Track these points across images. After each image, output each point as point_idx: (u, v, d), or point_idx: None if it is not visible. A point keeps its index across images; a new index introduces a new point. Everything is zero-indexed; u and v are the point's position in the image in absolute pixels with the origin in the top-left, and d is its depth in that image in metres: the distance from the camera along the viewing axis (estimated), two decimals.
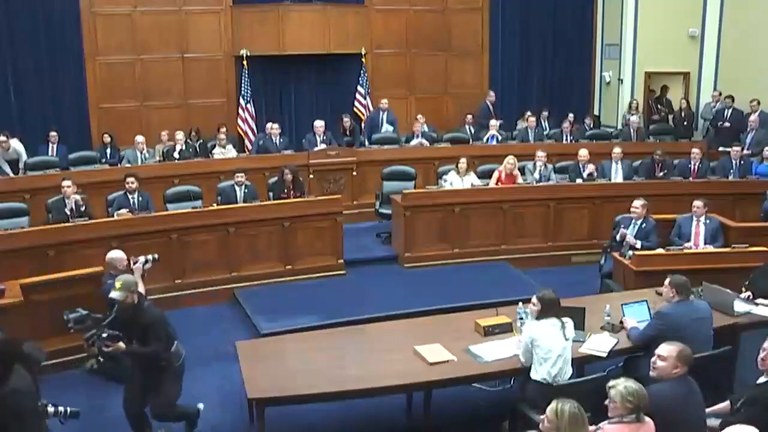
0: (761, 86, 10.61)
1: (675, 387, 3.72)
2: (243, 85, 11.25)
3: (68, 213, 7.11)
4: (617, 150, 8.96)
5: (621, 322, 5.08)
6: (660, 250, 6.65)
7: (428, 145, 10.43)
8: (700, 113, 11.99)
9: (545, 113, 12.03)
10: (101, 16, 10.95)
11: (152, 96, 11.35)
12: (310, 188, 9.02)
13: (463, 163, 8.53)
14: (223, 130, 10.27)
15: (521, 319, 5.04)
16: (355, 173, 9.76)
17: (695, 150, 9.12)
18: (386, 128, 10.97)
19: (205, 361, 5.97)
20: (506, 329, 5.01)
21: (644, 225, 6.92)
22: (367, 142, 10.72)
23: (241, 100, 11.27)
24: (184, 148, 9.70)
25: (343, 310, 6.73)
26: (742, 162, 9.02)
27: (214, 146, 10.08)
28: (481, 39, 12.82)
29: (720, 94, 11.48)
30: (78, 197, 7.23)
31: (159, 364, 4.52)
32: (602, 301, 5.62)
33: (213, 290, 7.36)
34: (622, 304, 5.21)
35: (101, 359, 4.25)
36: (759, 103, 10.40)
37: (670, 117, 12.08)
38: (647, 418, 3.42)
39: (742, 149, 9.41)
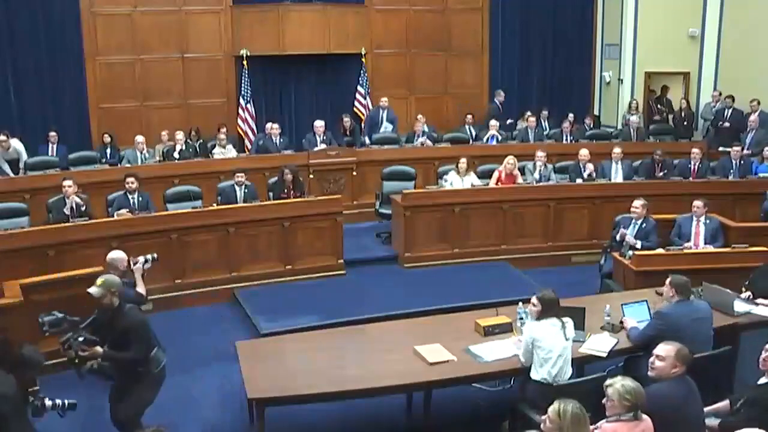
0: (761, 86, 10.61)
1: (674, 387, 3.72)
2: (243, 85, 11.25)
3: (68, 213, 7.10)
4: (617, 150, 8.96)
5: (621, 322, 5.08)
6: (660, 250, 6.65)
7: (431, 144, 10.43)
8: (700, 113, 11.98)
9: (545, 113, 12.02)
10: (101, 16, 10.95)
11: (152, 96, 11.35)
12: (310, 188, 9.01)
13: (463, 163, 8.53)
14: (223, 130, 10.26)
15: (521, 319, 5.04)
16: (355, 173, 9.75)
17: (695, 150, 9.12)
18: (386, 126, 10.97)
19: (205, 361, 5.99)
20: (506, 329, 5.01)
21: (644, 225, 6.92)
22: (367, 140, 10.73)
23: (241, 100, 11.26)
24: (184, 148, 9.70)
25: (343, 310, 6.73)
26: (742, 162, 9.02)
27: (214, 146, 10.07)
28: (481, 39, 12.82)
29: (720, 94, 11.47)
30: (78, 198, 7.23)
31: (136, 369, 4.39)
32: (602, 301, 5.61)
33: (213, 290, 7.36)
34: (622, 304, 5.21)
35: (77, 362, 4.13)
36: (759, 103, 10.40)
37: (670, 117, 12.07)
38: (645, 416, 3.42)
39: (742, 149, 9.41)
